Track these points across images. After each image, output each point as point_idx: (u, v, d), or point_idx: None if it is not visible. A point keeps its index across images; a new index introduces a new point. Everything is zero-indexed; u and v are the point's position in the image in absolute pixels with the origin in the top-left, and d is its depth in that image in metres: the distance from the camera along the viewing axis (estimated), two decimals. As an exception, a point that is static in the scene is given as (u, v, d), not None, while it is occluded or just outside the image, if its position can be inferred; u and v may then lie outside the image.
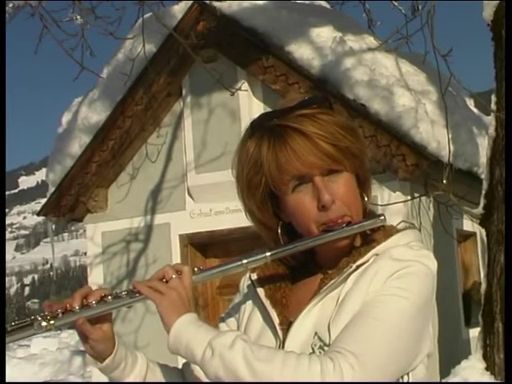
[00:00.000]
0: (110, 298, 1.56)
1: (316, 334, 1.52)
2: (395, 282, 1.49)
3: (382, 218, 1.59)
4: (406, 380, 1.51)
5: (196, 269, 1.59)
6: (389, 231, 1.61)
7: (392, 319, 1.46)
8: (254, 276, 1.68)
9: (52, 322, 1.54)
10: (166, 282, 1.55)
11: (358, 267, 1.55)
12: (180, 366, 1.75)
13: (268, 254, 1.58)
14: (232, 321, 1.73)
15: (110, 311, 1.59)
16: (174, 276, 1.55)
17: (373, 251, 1.56)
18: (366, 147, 1.64)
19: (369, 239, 1.61)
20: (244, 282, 1.76)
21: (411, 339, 1.49)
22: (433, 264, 1.56)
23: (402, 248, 1.56)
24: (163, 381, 1.69)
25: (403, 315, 1.47)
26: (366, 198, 1.64)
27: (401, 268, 1.51)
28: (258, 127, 1.61)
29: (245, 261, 1.58)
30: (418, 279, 1.51)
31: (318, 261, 1.66)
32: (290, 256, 1.66)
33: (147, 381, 1.66)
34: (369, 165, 1.66)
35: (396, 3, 9.93)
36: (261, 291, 1.65)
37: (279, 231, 1.64)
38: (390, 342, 1.44)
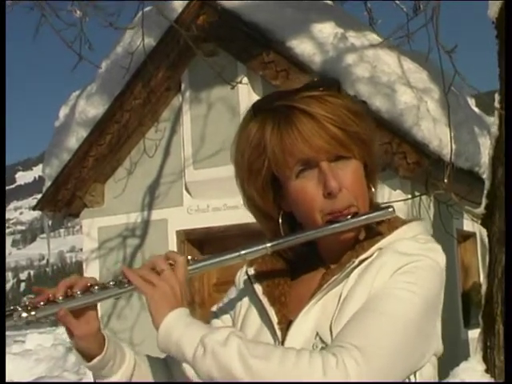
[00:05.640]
0: (96, 288, 1.46)
1: (317, 334, 1.42)
2: (402, 277, 1.40)
3: (391, 209, 1.49)
4: (412, 380, 1.42)
5: (191, 259, 1.49)
6: (394, 224, 1.51)
7: (399, 313, 1.36)
8: (251, 271, 1.59)
9: (33, 312, 1.45)
10: (159, 272, 1.45)
11: (360, 262, 1.45)
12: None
13: (268, 244, 1.48)
14: (227, 317, 1.63)
15: (96, 302, 1.49)
16: (166, 267, 1.45)
17: (377, 245, 1.47)
18: (375, 135, 1.55)
19: (373, 232, 1.51)
20: (240, 276, 1.66)
21: (419, 336, 1.39)
22: (441, 258, 1.46)
23: (408, 241, 1.46)
24: (149, 374, 1.60)
25: (411, 310, 1.37)
26: (372, 189, 1.55)
27: (407, 262, 1.41)
28: (261, 109, 1.52)
29: (243, 252, 1.48)
30: (425, 274, 1.41)
31: (321, 254, 1.56)
32: (290, 249, 1.56)
33: (134, 377, 1.57)
34: (377, 154, 1.57)
35: (398, 2, 9.87)
36: (258, 288, 1.55)
37: (280, 221, 1.54)
38: (396, 337, 1.35)
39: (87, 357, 1.52)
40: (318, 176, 1.46)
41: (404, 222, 1.52)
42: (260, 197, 1.55)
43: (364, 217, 1.48)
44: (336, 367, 1.28)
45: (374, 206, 1.54)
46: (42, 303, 1.46)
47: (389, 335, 1.34)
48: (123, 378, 1.56)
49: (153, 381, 1.61)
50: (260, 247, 1.48)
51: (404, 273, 1.40)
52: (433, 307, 1.43)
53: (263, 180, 1.53)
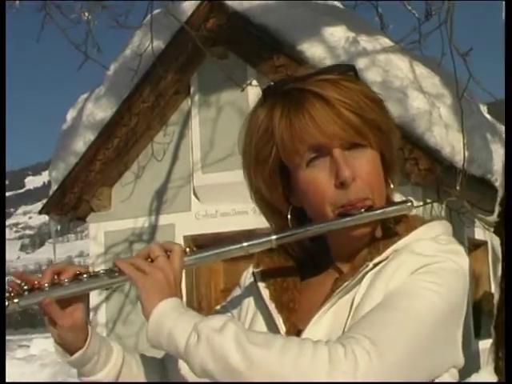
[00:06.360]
0: (85, 276, 1.35)
1: None
2: (423, 276, 1.27)
3: (410, 204, 1.35)
4: None
5: (188, 249, 1.37)
6: (412, 224, 1.38)
7: (419, 312, 1.23)
8: (258, 271, 1.46)
9: (16, 300, 1.33)
10: (152, 261, 1.34)
11: (374, 265, 1.32)
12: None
13: (274, 237, 1.35)
14: (228, 315, 1.50)
15: (84, 292, 1.38)
16: (161, 254, 1.34)
17: (393, 247, 1.33)
18: (394, 124, 1.43)
19: (389, 232, 1.38)
20: (246, 277, 1.54)
21: (438, 340, 1.26)
22: (464, 262, 1.33)
23: (427, 242, 1.33)
24: (141, 375, 1.49)
25: (433, 310, 1.24)
26: (391, 185, 1.41)
27: (428, 263, 1.28)
28: (271, 93, 1.40)
29: (246, 244, 1.36)
30: (448, 276, 1.28)
31: (331, 252, 1.43)
32: (299, 246, 1.44)
33: (122, 375, 1.46)
34: (397, 145, 1.43)
35: (409, 7, 9.77)
36: (265, 292, 1.42)
37: (289, 216, 1.41)
38: (414, 335, 1.21)
39: (69, 351, 1.42)
40: (330, 165, 1.34)
41: (424, 222, 1.39)
42: (267, 188, 1.42)
43: (379, 211, 1.34)
44: (344, 357, 1.15)
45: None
46: (26, 289, 1.35)
47: (405, 331, 1.21)
48: (109, 376, 1.45)
49: (145, 381, 1.50)
50: (264, 239, 1.36)
51: (425, 272, 1.28)
52: (454, 313, 1.30)
53: (271, 169, 1.40)
